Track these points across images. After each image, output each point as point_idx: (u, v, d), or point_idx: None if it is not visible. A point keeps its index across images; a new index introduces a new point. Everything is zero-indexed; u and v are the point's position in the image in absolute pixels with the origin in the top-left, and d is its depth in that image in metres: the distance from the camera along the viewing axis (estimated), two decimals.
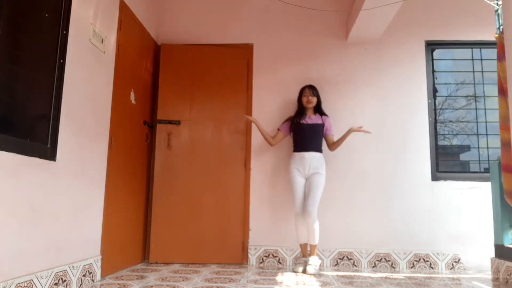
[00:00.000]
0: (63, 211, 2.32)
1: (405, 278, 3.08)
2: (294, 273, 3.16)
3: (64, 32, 2.30)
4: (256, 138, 3.77)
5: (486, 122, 3.80)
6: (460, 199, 3.59)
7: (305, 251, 3.35)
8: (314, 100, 3.48)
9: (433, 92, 3.84)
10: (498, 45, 2.98)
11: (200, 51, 3.84)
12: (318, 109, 3.51)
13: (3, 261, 1.84)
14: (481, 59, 3.89)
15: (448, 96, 3.94)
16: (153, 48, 3.83)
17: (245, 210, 3.68)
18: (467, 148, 3.91)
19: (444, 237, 3.55)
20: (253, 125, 3.76)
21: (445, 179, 3.66)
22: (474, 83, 3.88)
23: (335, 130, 3.64)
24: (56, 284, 2.22)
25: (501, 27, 3.08)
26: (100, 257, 2.75)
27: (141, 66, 3.54)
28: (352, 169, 3.69)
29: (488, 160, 3.72)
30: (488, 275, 3.22)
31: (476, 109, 3.86)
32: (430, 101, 3.79)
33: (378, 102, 3.79)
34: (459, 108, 3.91)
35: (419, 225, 3.58)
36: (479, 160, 3.81)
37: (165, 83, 3.74)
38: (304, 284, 2.75)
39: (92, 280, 2.64)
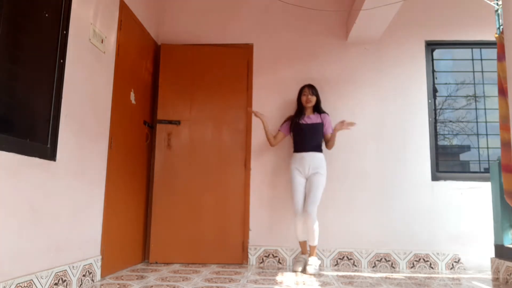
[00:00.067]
0: (63, 211, 2.32)
1: (405, 278, 3.08)
2: (294, 273, 3.16)
3: (64, 32, 2.30)
4: (256, 138, 3.77)
5: (486, 122, 3.80)
6: (460, 199, 3.59)
7: (305, 248, 3.36)
8: (313, 99, 3.48)
9: (433, 92, 3.84)
10: (498, 45, 2.98)
11: (200, 51, 3.84)
12: (317, 108, 3.51)
13: (3, 261, 1.84)
14: (481, 59, 3.89)
15: (448, 96, 3.94)
16: (153, 48, 3.83)
17: (245, 210, 3.68)
18: (467, 148, 3.91)
19: (444, 237, 3.55)
20: (253, 126, 3.77)
21: (445, 179, 3.66)
22: (474, 83, 3.88)
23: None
24: (56, 284, 2.22)
25: (501, 27, 3.08)
26: (100, 257, 2.75)
27: (141, 66, 3.54)
28: (352, 169, 3.69)
29: (488, 160, 3.72)
30: (488, 275, 3.22)
31: (476, 109, 3.86)
32: (430, 101, 3.79)
33: (378, 102, 3.79)
34: (459, 108, 3.91)
35: (419, 225, 3.58)
36: (479, 160, 3.81)
37: (165, 83, 3.74)
38: (304, 284, 2.75)
39: (92, 280, 2.64)
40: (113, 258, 2.95)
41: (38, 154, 2.07)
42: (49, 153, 2.17)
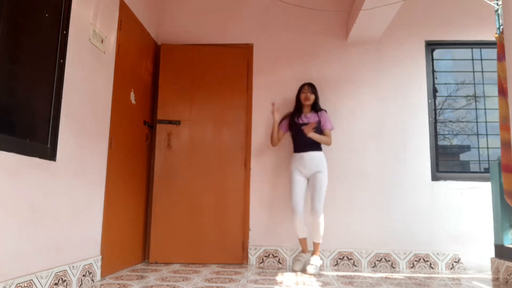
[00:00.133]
0: (63, 211, 2.32)
1: (405, 278, 3.08)
2: (293, 273, 3.16)
3: (64, 32, 2.30)
4: (256, 138, 3.78)
5: (486, 122, 3.80)
6: (460, 199, 3.59)
7: (305, 247, 3.36)
8: (312, 97, 3.48)
9: (433, 92, 3.84)
10: (498, 45, 2.98)
11: (200, 51, 3.84)
12: (315, 107, 3.51)
13: (3, 261, 1.84)
14: (481, 59, 3.89)
15: (448, 96, 3.94)
16: (153, 48, 3.83)
17: (245, 210, 3.68)
18: (467, 148, 3.91)
19: (444, 237, 3.55)
20: (253, 126, 3.78)
21: (445, 179, 3.66)
22: (474, 83, 3.88)
23: (335, 130, 3.64)
24: (56, 284, 2.22)
25: (501, 27, 3.08)
26: (100, 257, 2.75)
27: (141, 66, 3.54)
28: (352, 169, 3.69)
29: (488, 160, 3.72)
30: (488, 275, 3.22)
31: (476, 109, 3.86)
32: (430, 101, 3.79)
33: (378, 102, 3.79)
34: (459, 108, 3.91)
35: (419, 225, 3.58)
36: (479, 160, 3.81)
37: (165, 83, 3.74)
38: (304, 284, 2.75)
39: (92, 280, 2.64)
40: (113, 258, 2.95)
41: (38, 154, 2.07)
42: (49, 153, 2.17)
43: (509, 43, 2.20)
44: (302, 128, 3.34)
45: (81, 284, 2.49)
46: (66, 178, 2.34)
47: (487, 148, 3.76)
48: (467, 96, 3.92)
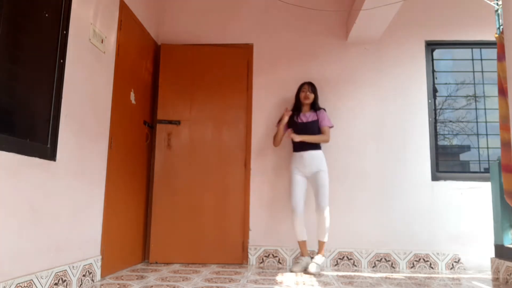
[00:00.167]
0: (63, 211, 2.32)
1: (405, 278, 3.08)
2: (293, 273, 3.16)
3: (64, 32, 2.30)
4: (256, 138, 3.78)
5: (486, 122, 3.80)
6: (460, 199, 3.59)
7: (304, 250, 3.35)
8: (311, 96, 3.49)
9: (433, 92, 3.84)
10: (498, 45, 2.98)
11: (200, 51, 3.84)
12: (314, 106, 3.51)
13: (3, 261, 1.84)
14: (481, 59, 3.89)
15: (448, 96, 3.94)
16: (153, 48, 3.83)
17: (245, 210, 3.68)
18: (467, 148, 3.91)
19: (444, 237, 3.55)
20: (253, 126, 3.78)
21: (445, 179, 3.66)
22: (474, 83, 3.88)
23: (335, 130, 3.65)
24: (56, 284, 2.22)
25: (501, 27, 3.08)
26: (100, 257, 2.75)
27: (141, 66, 3.54)
28: (352, 169, 3.69)
29: (488, 160, 3.72)
30: (488, 275, 3.22)
31: (476, 109, 3.86)
32: (430, 101, 3.79)
33: (378, 102, 3.79)
34: (459, 108, 3.91)
35: (419, 225, 3.58)
36: (479, 160, 3.81)
37: (165, 83, 3.74)
38: (304, 284, 2.75)
39: (92, 280, 2.64)
40: (113, 258, 2.95)
41: (38, 154, 2.07)
42: (49, 153, 2.17)
43: (509, 43, 2.20)
44: (291, 137, 3.38)
45: (81, 284, 2.49)
46: (66, 178, 2.34)
47: (487, 148, 3.76)
48: (467, 96, 3.92)
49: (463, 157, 4.01)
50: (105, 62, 2.82)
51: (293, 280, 2.88)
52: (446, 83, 3.95)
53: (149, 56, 3.72)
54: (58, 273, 2.24)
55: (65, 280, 2.31)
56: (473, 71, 3.89)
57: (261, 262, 3.60)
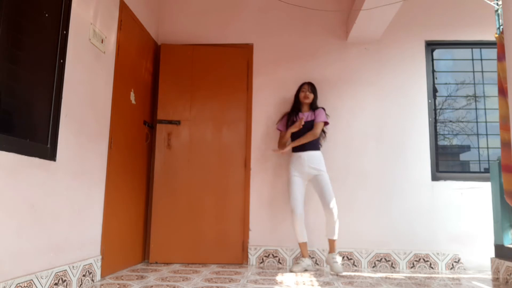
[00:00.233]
0: (63, 211, 2.32)
1: (405, 278, 3.08)
2: (293, 273, 3.16)
3: (64, 32, 2.30)
4: (256, 138, 3.78)
5: (486, 122, 3.80)
6: (460, 199, 3.59)
7: (305, 251, 3.35)
8: (311, 96, 3.49)
9: (433, 92, 3.84)
10: (498, 45, 2.98)
11: (200, 51, 3.84)
12: (313, 106, 3.50)
13: (3, 261, 1.84)
14: (481, 59, 3.89)
15: (448, 96, 3.94)
16: (153, 48, 3.83)
17: (245, 210, 3.68)
18: (467, 148, 3.91)
19: (444, 237, 3.55)
20: (253, 126, 3.78)
21: (445, 179, 3.66)
22: (474, 83, 3.88)
23: (335, 130, 3.66)
24: (56, 284, 2.22)
25: (501, 27, 3.08)
26: (100, 257, 2.75)
27: (141, 66, 3.54)
28: (352, 169, 3.69)
29: (488, 160, 3.72)
30: (488, 275, 3.22)
31: (476, 109, 3.86)
32: (430, 101, 3.79)
33: (378, 102, 3.79)
34: (459, 108, 3.91)
35: (419, 225, 3.58)
36: (479, 160, 3.81)
37: (165, 83, 3.74)
38: (304, 284, 2.75)
39: (92, 280, 2.64)
40: (113, 258, 2.95)
41: (38, 154, 2.07)
42: (49, 153, 2.17)
43: (509, 43, 2.20)
44: (277, 150, 3.43)
45: (81, 284, 2.49)
46: (66, 178, 2.34)
47: (487, 148, 3.76)
48: (467, 96, 3.92)
49: (463, 157, 4.01)
50: (105, 62, 2.82)
51: (293, 280, 2.88)
52: (446, 83, 3.95)
53: (149, 56, 3.72)
54: (58, 273, 2.24)
55: (65, 280, 2.31)
56: (473, 71, 3.89)
57: (261, 262, 3.60)
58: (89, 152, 2.61)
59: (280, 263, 3.59)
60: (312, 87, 3.52)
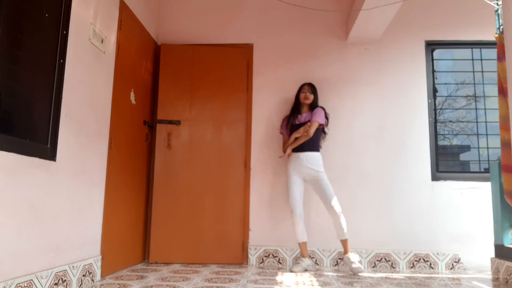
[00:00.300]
0: (63, 211, 2.32)
1: (405, 278, 3.07)
2: (293, 273, 3.15)
3: (64, 32, 2.30)
4: (256, 138, 3.78)
5: (486, 122, 3.80)
6: (460, 199, 3.59)
7: (305, 251, 3.35)
8: (311, 97, 3.49)
9: (433, 92, 3.84)
10: (498, 45, 2.98)
11: (200, 51, 3.84)
12: (313, 107, 3.49)
13: (3, 261, 1.84)
14: (481, 59, 3.89)
15: (448, 96, 3.94)
16: (153, 48, 3.83)
17: (245, 210, 3.68)
18: (467, 148, 3.91)
19: (444, 237, 3.55)
20: (253, 126, 3.78)
21: (445, 179, 3.66)
22: (474, 83, 3.88)
23: (335, 130, 3.66)
24: (56, 284, 2.22)
25: (501, 27, 3.08)
26: (100, 257, 2.75)
27: (141, 66, 3.54)
28: (352, 169, 3.69)
29: (488, 160, 3.72)
30: (488, 275, 3.22)
31: (476, 109, 3.86)
32: (430, 101, 3.79)
33: (378, 102, 3.79)
34: (459, 108, 3.91)
35: (419, 225, 3.58)
36: (479, 160, 3.81)
37: (165, 83, 3.74)
38: (304, 284, 2.75)
39: (92, 280, 2.64)
40: (113, 258, 2.95)
41: (38, 154, 2.07)
42: (49, 153, 2.17)
43: (509, 43, 2.20)
44: (282, 155, 3.44)
45: (81, 284, 2.49)
46: (66, 178, 2.34)
47: (487, 148, 3.76)
48: (467, 96, 3.92)
49: (463, 157, 4.01)
50: (105, 62, 2.82)
51: (293, 280, 2.88)
52: (446, 83, 3.95)
53: (149, 56, 3.72)
54: (58, 273, 2.24)
55: (65, 280, 2.31)
56: (473, 71, 3.89)
57: (261, 262, 3.60)
58: (89, 152, 2.61)
59: (280, 263, 3.59)
60: (312, 88, 3.52)
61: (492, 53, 3.79)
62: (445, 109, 3.93)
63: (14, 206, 1.90)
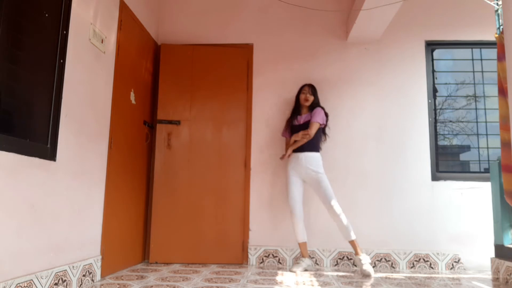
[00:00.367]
0: (63, 211, 2.32)
1: (405, 278, 3.07)
2: (293, 273, 3.15)
3: (64, 32, 2.30)
4: (256, 137, 3.78)
5: (486, 122, 3.80)
6: (460, 199, 3.59)
7: (305, 251, 3.35)
8: (311, 98, 3.48)
9: (433, 92, 3.84)
10: (498, 45, 2.98)
11: (200, 51, 3.84)
12: (312, 107, 3.48)
13: (3, 261, 1.84)
14: (481, 59, 3.89)
15: (448, 96, 3.94)
16: (153, 48, 3.83)
17: (245, 210, 3.68)
18: (467, 148, 3.91)
19: (444, 237, 3.55)
20: (253, 126, 3.79)
21: (445, 179, 3.66)
22: (474, 83, 3.88)
23: (335, 130, 3.66)
24: (56, 284, 2.22)
25: (501, 27, 3.08)
26: (100, 257, 2.75)
27: (141, 66, 3.54)
28: (352, 169, 3.69)
29: (488, 160, 3.72)
30: (488, 275, 3.22)
31: (476, 109, 3.86)
32: (430, 101, 3.79)
33: (378, 102, 3.79)
34: (459, 108, 3.91)
35: (419, 225, 3.58)
36: (479, 160, 3.81)
37: (165, 83, 3.74)
38: (304, 284, 2.75)
39: (92, 280, 2.64)
40: (113, 258, 2.95)
41: (38, 154, 2.07)
42: (49, 153, 2.17)
43: (509, 43, 2.20)
44: (283, 156, 3.45)
45: (81, 284, 2.49)
46: (66, 178, 2.34)
47: (487, 148, 3.76)
48: (467, 96, 3.92)
49: (463, 157, 4.01)
50: (105, 62, 2.82)
51: (293, 280, 2.88)
52: (446, 83, 3.95)
53: (149, 56, 3.72)
54: (58, 273, 2.24)
55: (65, 280, 2.31)
56: (473, 71, 3.89)
57: (261, 262, 3.60)
58: (89, 152, 2.61)
59: (280, 263, 3.59)
60: (312, 89, 3.51)
61: (492, 53, 3.79)
62: (445, 109, 3.93)
63: (14, 206, 1.90)
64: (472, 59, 3.91)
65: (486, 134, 3.79)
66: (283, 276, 3.02)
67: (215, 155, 3.71)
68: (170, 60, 3.78)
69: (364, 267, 3.11)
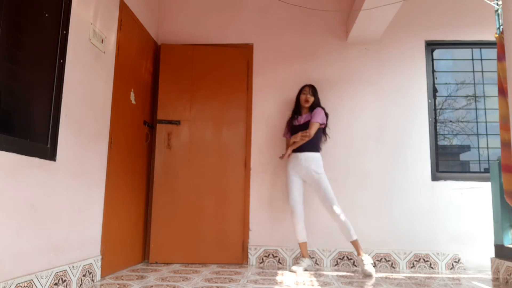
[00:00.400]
0: (63, 211, 2.32)
1: (405, 278, 3.07)
2: (293, 273, 3.16)
3: (64, 32, 2.30)
4: (256, 137, 3.78)
5: (486, 122, 3.80)
6: (460, 199, 3.59)
7: (305, 251, 3.35)
8: (311, 99, 3.48)
9: (433, 92, 3.84)
10: (498, 45, 2.98)
11: (200, 51, 3.84)
12: (313, 108, 3.48)
13: (3, 261, 1.84)
14: (481, 59, 3.89)
15: (448, 96, 3.94)
16: (153, 48, 3.83)
17: (245, 210, 3.68)
18: (467, 148, 3.91)
19: (444, 237, 3.55)
20: (253, 126, 3.79)
21: (445, 179, 3.66)
22: (474, 83, 3.88)
23: (335, 130, 3.66)
24: (56, 284, 2.22)
25: (501, 27, 3.08)
26: (100, 257, 2.75)
27: (141, 66, 3.54)
28: (352, 169, 3.69)
29: (488, 160, 3.72)
30: (488, 275, 3.22)
31: (476, 109, 3.86)
32: (430, 101, 3.79)
33: (378, 102, 3.79)
34: (459, 108, 3.91)
35: (419, 225, 3.58)
36: (479, 160, 3.81)
37: (165, 83, 3.74)
38: (304, 284, 2.75)
39: (92, 280, 2.64)
40: (113, 258, 2.95)
41: (38, 154, 2.07)
42: (49, 153, 2.17)
43: (509, 43, 2.20)
44: (282, 155, 3.45)
45: (81, 284, 2.49)
46: (66, 178, 2.34)
47: (487, 148, 3.76)
48: (467, 96, 3.92)
49: (463, 157, 4.01)
50: (105, 62, 2.82)
51: (293, 280, 2.88)
52: (446, 83, 3.95)
53: (149, 56, 3.72)
54: (58, 273, 2.24)
55: (65, 280, 2.31)
56: (473, 71, 3.89)
57: (261, 262, 3.60)
58: (89, 152, 2.61)
59: (280, 263, 3.59)
60: (313, 89, 3.51)
61: (492, 53, 3.79)
62: (445, 109, 3.93)
63: (14, 206, 1.90)
64: (472, 59, 3.91)
65: (486, 134, 3.79)
66: (283, 276, 3.02)
67: (215, 155, 3.71)
68: (170, 60, 3.78)
69: (366, 268, 3.11)
